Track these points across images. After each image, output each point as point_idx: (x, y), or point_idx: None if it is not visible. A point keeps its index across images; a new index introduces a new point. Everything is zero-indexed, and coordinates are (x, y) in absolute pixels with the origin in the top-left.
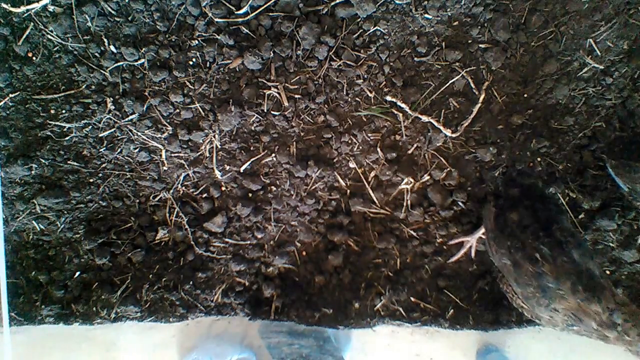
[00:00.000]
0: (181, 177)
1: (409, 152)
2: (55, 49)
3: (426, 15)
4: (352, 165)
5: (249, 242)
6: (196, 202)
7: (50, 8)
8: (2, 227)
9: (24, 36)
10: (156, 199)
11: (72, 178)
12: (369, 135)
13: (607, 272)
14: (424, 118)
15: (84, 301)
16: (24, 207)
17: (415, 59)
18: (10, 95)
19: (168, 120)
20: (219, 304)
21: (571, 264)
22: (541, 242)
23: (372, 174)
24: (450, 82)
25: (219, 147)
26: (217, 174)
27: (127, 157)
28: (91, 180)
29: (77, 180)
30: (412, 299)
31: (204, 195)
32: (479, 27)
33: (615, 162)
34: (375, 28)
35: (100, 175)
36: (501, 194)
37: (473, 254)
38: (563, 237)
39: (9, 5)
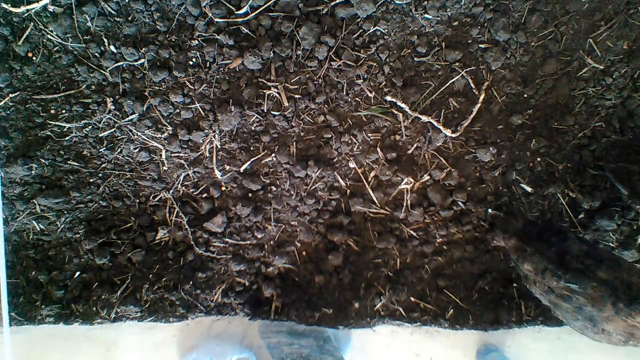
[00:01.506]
0: (181, 177)
1: (409, 152)
2: (55, 49)
3: (426, 15)
4: (352, 165)
5: (249, 242)
6: (196, 202)
7: (50, 8)
8: (2, 227)
9: (24, 36)
10: (156, 199)
11: (72, 178)
12: (369, 135)
13: None
14: (424, 118)
15: (84, 301)
16: (24, 207)
17: (415, 59)
18: (10, 95)
19: (168, 120)
20: (219, 304)
21: (602, 286)
22: (564, 279)
23: (372, 174)
24: (450, 82)
25: (219, 147)
26: (217, 174)
27: (127, 157)
28: (91, 180)
29: (77, 180)
30: (412, 299)
31: (204, 195)
32: (479, 27)
33: (613, 167)
34: (375, 28)
35: (100, 175)
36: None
37: None
38: (580, 264)
39: (9, 5)
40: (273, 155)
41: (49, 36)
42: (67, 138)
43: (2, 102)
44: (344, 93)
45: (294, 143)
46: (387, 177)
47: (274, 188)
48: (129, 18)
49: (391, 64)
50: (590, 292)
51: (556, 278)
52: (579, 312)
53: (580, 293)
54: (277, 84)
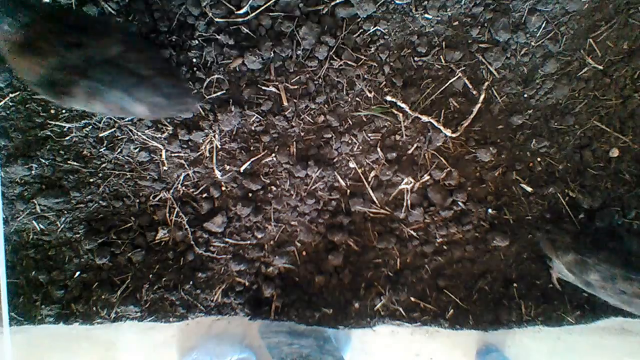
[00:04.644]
0: (181, 177)
1: (409, 152)
2: None
3: (426, 15)
4: (352, 165)
5: (249, 242)
6: (196, 202)
7: None
8: (2, 227)
9: None
10: (156, 199)
11: (72, 178)
12: (369, 135)
13: None
14: (424, 118)
15: (84, 301)
16: (24, 207)
17: (416, 59)
18: (10, 95)
19: (168, 120)
20: (219, 304)
21: None
22: (637, 281)
23: (372, 174)
24: (450, 81)
25: (219, 147)
26: (217, 174)
27: (127, 157)
28: (91, 180)
29: (77, 180)
30: (412, 299)
31: (204, 195)
32: (479, 27)
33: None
34: (375, 28)
35: (100, 175)
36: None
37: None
38: None
39: None
40: (273, 155)
41: None
42: (67, 138)
43: (2, 102)
44: (344, 93)
45: (294, 143)
46: (387, 177)
47: (274, 188)
48: (129, 18)
49: (391, 64)
50: None
51: (629, 281)
52: None
53: None
54: (277, 84)
